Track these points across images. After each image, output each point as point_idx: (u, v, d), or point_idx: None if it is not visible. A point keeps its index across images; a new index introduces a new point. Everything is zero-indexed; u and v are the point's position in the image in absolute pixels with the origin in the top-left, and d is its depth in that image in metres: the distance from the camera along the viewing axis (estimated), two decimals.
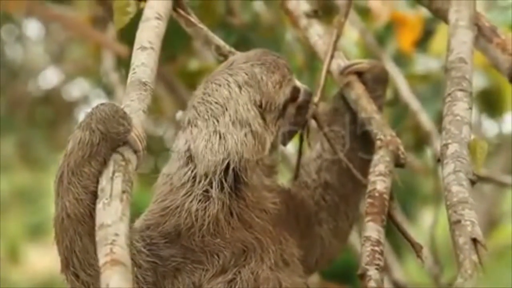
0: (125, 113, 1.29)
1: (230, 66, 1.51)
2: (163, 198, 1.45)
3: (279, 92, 1.49)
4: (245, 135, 1.43)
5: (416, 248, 1.47)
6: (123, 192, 1.20)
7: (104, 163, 1.25)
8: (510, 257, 3.76)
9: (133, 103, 1.35)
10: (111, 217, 1.15)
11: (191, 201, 1.41)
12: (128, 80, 1.40)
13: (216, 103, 1.46)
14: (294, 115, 1.53)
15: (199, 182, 1.42)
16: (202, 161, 1.42)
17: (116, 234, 1.13)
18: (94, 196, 1.23)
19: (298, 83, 1.55)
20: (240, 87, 1.47)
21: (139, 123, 1.31)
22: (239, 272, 1.40)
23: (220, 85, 1.48)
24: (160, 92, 2.90)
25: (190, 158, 1.44)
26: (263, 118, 1.46)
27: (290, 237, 1.49)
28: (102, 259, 1.09)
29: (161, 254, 1.38)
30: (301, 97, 1.54)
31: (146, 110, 1.35)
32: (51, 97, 4.73)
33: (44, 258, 5.74)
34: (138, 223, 1.43)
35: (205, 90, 1.49)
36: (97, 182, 1.24)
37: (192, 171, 1.43)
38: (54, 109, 4.65)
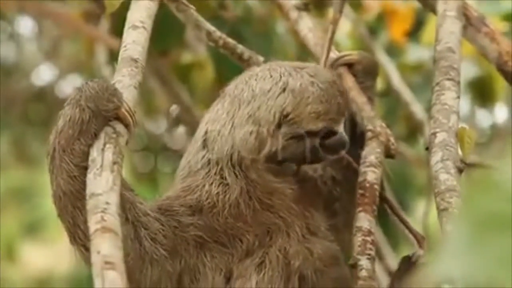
0: (115, 89, 1.29)
1: (299, 67, 1.48)
2: (183, 180, 1.46)
3: (311, 120, 1.44)
4: (250, 133, 1.42)
5: (418, 239, 1.48)
6: (114, 163, 1.20)
7: (95, 138, 1.26)
8: None
9: (124, 79, 1.35)
10: (102, 187, 1.15)
11: (211, 184, 1.42)
12: (119, 57, 1.40)
13: (252, 90, 1.45)
14: (312, 150, 1.46)
15: (214, 167, 1.43)
16: (213, 148, 1.44)
17: (107, 203, 1.12)
18: (87, 171, 1.22)
19: (340, 129, 1.47)
20: (283, 90, 1.44)
21: (130, 98, 1.31)
22: (267, 253, 1.40)
23: (271, 77, 1.46)
24: (153, 86, 2.91)
25: (205, 142, 1.45)
26: (279, 127, 1.43)
27: (315, 211, 1.49)
28: (93, 227, 1.08)
29: (181, 220, 1.38)
30: (330, 141, 1.47)
31: (137, 86, 1.35)
32: (44, 94, 4.72)
33: (40, 256, 5.74)
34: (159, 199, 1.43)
35: (260, 71, 1.48)
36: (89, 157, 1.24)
37: (206, 156, 1.44)
38: (48, 106, 4.64)
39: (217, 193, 1.41)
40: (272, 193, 1.44)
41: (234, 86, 1.48)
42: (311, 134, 1.45)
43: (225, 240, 1.39)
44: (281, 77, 1.45)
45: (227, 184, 1.41)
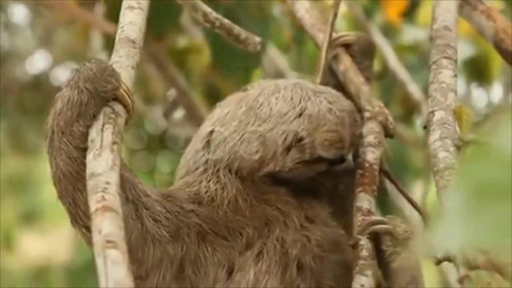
0: (113, 70, 1.28)
1: (319, 91, 1.46)
2: (181, 178, 1.47)
3: (324, 147, 1.43)
4: (256, 152, 1.42)
5: (420, 211, 1.48)
6: (114, 143, 1.19)
7: (94, 119, 1.25)
8: None
9: (122, 60, 1.34)
10: (102, 166, 1.14)
11: (209, 181, 1.43)
12: (117, 38, 1.38)
13: (270, 109, 1.43)
14: (318, 175, 1.47)
15: (211, 168, 1.43)
16: (215, 151, 1.44)
17: (107, 183, 1.11)
18: (86, 152, 1.21)
19: (349, 157, 1.48)
20: (300, 115, 1.42)
21: (128, 78, 1.31)
22: (265, 244, 1.40)
23: (291, 99, 1.44)
24: (149, 71, 2.91)
25: (208, 143, 1.45)
26: (288, 150, 1.42)
27: (315, 200, 1.48)
28: (93, 206, 1.07)
29: (183, 206, 1.38)
30: (338, 168, 1.47)
31: (134, 66, 1.34)
32: (40, 82, 4.71)
33: (38, 245, 5.74)
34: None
35: (284, 89, 1.46)
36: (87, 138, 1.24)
37: (205, 156, 1.45)
38: (43, 95, 4.62)
39: (215, 189, 1.42)
40: (267, 191, 1.45)
41: (256, 96, 1.46)
42: (320, 160, 1.44)
43: (226, 233, 1.40)
44: (300, 101, 1.43)
45: (224, 183, 1.42)
